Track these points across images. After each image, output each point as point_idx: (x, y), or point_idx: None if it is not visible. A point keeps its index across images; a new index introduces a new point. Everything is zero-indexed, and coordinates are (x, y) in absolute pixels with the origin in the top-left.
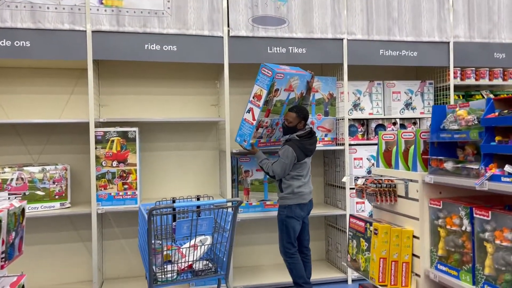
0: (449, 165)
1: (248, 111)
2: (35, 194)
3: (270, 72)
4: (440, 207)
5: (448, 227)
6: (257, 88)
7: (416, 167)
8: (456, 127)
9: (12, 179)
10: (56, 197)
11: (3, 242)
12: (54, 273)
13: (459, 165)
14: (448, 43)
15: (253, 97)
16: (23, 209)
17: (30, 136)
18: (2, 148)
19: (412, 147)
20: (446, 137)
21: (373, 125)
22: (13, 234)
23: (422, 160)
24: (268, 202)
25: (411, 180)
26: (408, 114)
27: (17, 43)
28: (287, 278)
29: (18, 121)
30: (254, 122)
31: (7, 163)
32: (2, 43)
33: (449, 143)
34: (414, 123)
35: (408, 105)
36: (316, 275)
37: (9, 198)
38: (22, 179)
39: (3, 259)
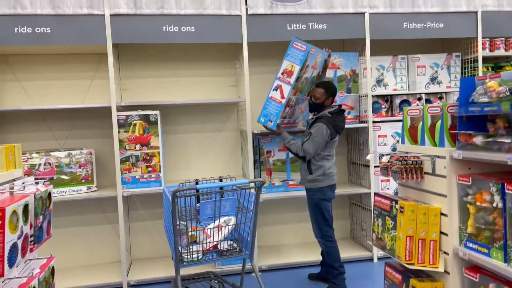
0: (478, 139)
1: (276, 89)
2: (62, 179)
3: (305, 47)
4: (469, 184)
5: (478, 203)
6: (287, 64)
7: (444, 143)
8: (486, 99)
9: (40, 164)
10: (83, 181)
11: (31, 225)
12: (84, 254)
13: (490, 139)
14: (476, 12)
15: (282, 73)
16: (50, 193)
17: (55, 122)
18: (29, 134)
19: (439, 122)
20: (475, 111)
21: (397, 101)
22: (41, 217)
23: (449, 135)
24: (291, 182)
25: (438, 156)
26: (433, 88)
27: (37, 30)
28: (311, 257)
29: (44, 107)
30: (283, 101)
31: (34, 148)
32: (24, 30)
33: (479, 117)
34: (440, 98)
35: (433, 79)
36: (342, 254)
37: (35, 182)
38: (49, 164)
39: (32, 242)
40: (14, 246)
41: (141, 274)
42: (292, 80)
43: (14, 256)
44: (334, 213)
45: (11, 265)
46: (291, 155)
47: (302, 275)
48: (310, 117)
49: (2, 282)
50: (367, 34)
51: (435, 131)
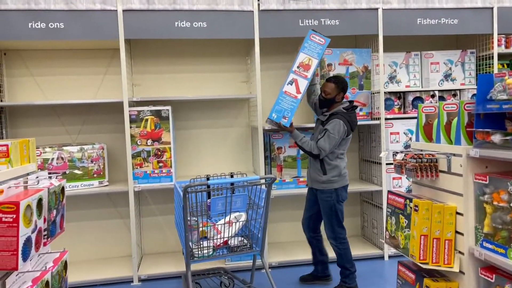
0: (496, 137)
1: (291, 83)
2: (75, 173)
3: (323, 40)
4: (487, 182)
5: (495, 203)
6: (304, 57)
7: (460, 141)
8: (504, 97)
9: (53, 159)
10: (95, 175)
11: (44, 219)
12: (95, 248)
13: (508, 138)
14: (492, 8)
15: (298, 67)
16: (63, 188)
17: (68, 117)
18: (42, 129)
19: (455, 119)
20: (493, 108)
21: (410, 98)
22: (54, 212)
23: (466, 133)
24: (301, 179)
25: (454, 154)
26: (447, 85)
27: (51, 25)
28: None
29: (57, 102)
30: (299, 96)
31: (47, 143)
32: (37, 25)
33: (497, 114)
34: (454, 95)
35: (447, 76)
36: (352, 251)
37: (49, 177)
38: (62, 158)
39: (46, 236)
40: (28, 240)
41: (151, 268)
42: (310, 74)
43: (28, 250)
44: (345, 210)
45: (25, 259)
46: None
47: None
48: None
49: (16, 275)
50: (380, 30)
51: (451, 128)
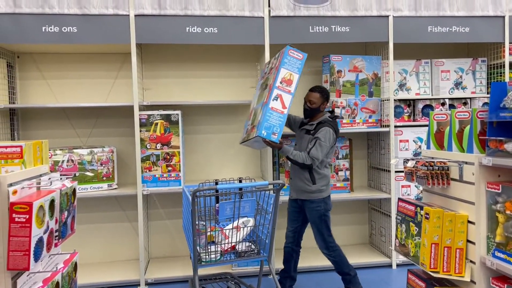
0: (510, 146)
1: (276, 99)
2: (84, 175)
3: (301, 55)
4: (499, 191)
5: (507, 212)
6: (285, 72)
7: (472, 149)
8: None
9: (63, 161)
10: (104, 178)
11: (56, 221)
12: (103, 251)
13: None
14: (503, 17)
15: (281, 82)
16: (74, 190)
17: (78, 120)
18: (53, 132)
19: (468, 127)
20: (507, 116)
21: (420, 105)
22: (66, 213)
23: (478, 141)
24: None
25: (466, 162)
26: (458, 94)
27: (64, 29)
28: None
29: (68, 105)
30: (285, 111)
31: (58, 145)
32: (51, 29)
33: (510, 123)
34: (465, 104)
35: (458, 84)
36: (360, 259)
37: (61, 178)
38: (72, 161)
39: (57, 237)
40: (40, 241)
41: (158, 272)
42: (293, 89)
43: (40, 250)
44: (352, 218)
45: (36, 259)
46: None
47: (319, 279)
48: (305, 123)
49: (27, 276)
50: (390, 37)
51: (463, 136)
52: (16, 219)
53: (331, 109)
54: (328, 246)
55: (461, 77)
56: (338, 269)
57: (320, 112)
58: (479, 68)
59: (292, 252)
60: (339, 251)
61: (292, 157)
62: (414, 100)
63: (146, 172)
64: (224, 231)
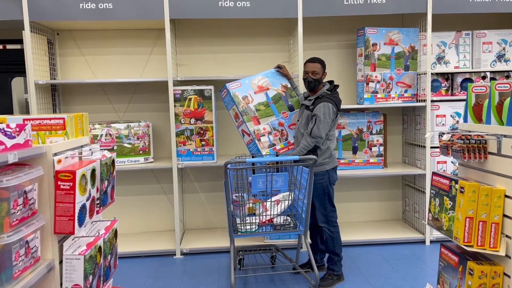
0: None
1: (243, 135)
2: (122, 148)
3: (225, 90)
4: None
5: None
6: (231, 112)
7: None
8: None
9: (101, 135)
10: (140, 152)
11: (97, 189)
12: (140, 222)
13: None
14: None
15: (235, 120)
16: (113, 160)
17: (115, 95)
18: (92, 107)
19: (508, 99)
20: None
21: (459, 79)
22: (106, 182)
23: None
24: (342, 161)
25: (505, 136)
26: (500, 66)
27: (101, 6)
28: (358, 236)
29: (105, 80)
30: (251, 137)
31: (96, 120)
32: (88, 5)
33: None
34: (507, 77)
35: (500, 57)
36: (393, 235)
37: (101, 149)
38: (110, 135)
39: (98, 205)
40: (83, 207)
41: (193, 243)
42: (241, 118)
43: (83, 216)
44: (386, 194)
45: (80, 224)
46: (343, 133)
47: (352, 253)
48: (305, 98)
49: (72, 239)
50: (429, 8)
51: (503, 109)
52: (62, 186)
53: (329, 81)
54: (329, 220)
55: (504, 49)
56: (331, 247)
57: (320, 84)
58: None
59: (315, 226)
60: (338, 229)
61: (303, 154)
62: (452, 73)
63: (180, 146)
64: (265, 204)
